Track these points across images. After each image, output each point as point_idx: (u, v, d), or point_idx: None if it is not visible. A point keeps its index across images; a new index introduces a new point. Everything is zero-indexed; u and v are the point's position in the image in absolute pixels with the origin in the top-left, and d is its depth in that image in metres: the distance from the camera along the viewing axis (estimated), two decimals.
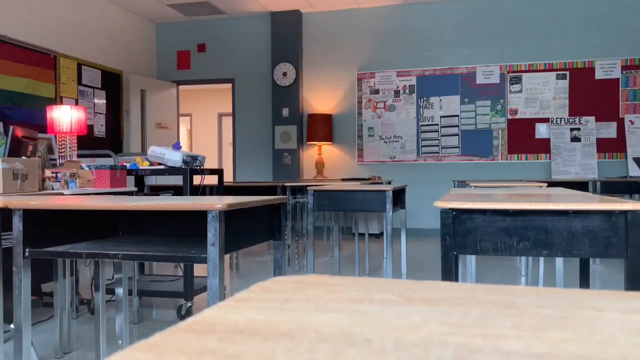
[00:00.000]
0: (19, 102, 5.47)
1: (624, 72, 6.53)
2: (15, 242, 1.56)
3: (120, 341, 2.01)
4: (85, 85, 6.48)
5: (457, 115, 6.98)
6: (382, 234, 6.64)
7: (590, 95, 6.62)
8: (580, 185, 4.70)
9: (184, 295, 3.10)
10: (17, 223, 1.56)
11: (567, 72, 6.67)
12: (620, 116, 6.52)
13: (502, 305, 0.38)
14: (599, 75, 6.59)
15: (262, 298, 0.41)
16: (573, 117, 6.64)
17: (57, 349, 2.45)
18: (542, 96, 6.75)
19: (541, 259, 3.18)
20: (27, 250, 1.57)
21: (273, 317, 0.36)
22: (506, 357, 0.28)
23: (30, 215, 1.59)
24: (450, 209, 1.34)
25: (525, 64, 6.78)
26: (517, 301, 0.39)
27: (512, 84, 6.82)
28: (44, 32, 5.85)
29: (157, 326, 2.95)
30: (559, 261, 2.78)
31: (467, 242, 1.34)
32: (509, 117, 6.82)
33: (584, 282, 2.15)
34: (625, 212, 1.26)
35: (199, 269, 4.12)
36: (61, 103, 5.90)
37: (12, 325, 1.57)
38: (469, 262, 3.00)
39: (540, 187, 2.85)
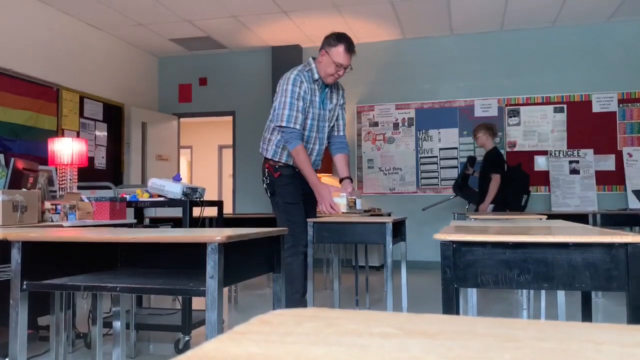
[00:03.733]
0: (20, 135, 5.51)
1: (621, 105, 6.61)
2: (13, 275, 1.55)
3: None
4: (87, 118, 6.54)
5: (456, 148, 7.02)
6: (382, 266, 6.59)
7: (588, 128, 6.68)
8: (580, 218, 4.70)
9: (181, 329, 3.06)
10: (16, 255, 1.56)
11: (565, 105, 6.74)
12: (619, 149, 6.56)
13: (502, 338, 0.38)
14: (596, 108, 6.66)
15: (262, 331, 0.41)
16: (571, 150, 6.68)
17: None
18: (541, 129, 6.80)
19: (543, 291, 3.15)
20: (24, 283, 1.56)
21: (272, 351, 0.36)
22: None
23: (28, 247, 1.59)
24: (450, 241, 1.34)
25: (523, 97, 6.86)
26: (516, 334, 0.39)
27: (510, 116, 6.89)
28: (47, 65, 5.93)
29: None
30: (561, 294, 2.75)
31: (468, 274, 1.33)
32: (508, 149, 6.86)
33: (586, 315, 2.13)
34: (626, 244, 1.26)
35: (197, 302, 4.07)
36: (62, 135, 5.94)
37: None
38: (470, 295, 2.97)
39: (540, 219, 2.85)
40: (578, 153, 6.64)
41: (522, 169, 5.86)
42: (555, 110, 6.77)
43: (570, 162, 6.65)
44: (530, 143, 6.82)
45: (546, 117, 6.79)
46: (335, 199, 3.10)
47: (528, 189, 5.73)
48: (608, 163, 6.57)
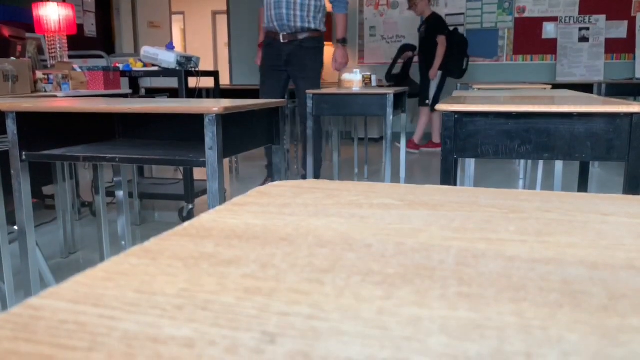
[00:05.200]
0: None
1: None
2: (11, 146, 1.55)
3: (123, 242, 2.06)
4: None
5: (463, 14, 6.70)
6: (381, 138, 6.63)
7: None
8: (586, 88, 4.62)
9: (184, 198, 3.15)
10: (11, 126, 1.54)
11: None
12: (632, 14, 6.26)
13: (506, 209, 0.37)
14: None
15: (260, 203, 0.40)
16: (582, 16, 6.38)
17: (63, 249, 2.52)
18: None
19: (540, 162, 3.19)
20: (23, 153, 1.56)
21: (271, 222, 0.35)
22: (510, 262, 0.27)
23: (24, 118, 1.56)
24: (452, 112, 1.31)
25: None
26: (521, 205, 0.38)
27: None
28: None
29: (160, 227, 3.03)
30: (558, 164, 2.79)
31: (468, 145, 1.32)
32: (516, 15, 6.55)
33: (583, 185, 2.17)
34: (631, 114, 1.23)
35: (199, 173, 4.16)
36: (47, 0, 5.63)
37: (15, 227, 1.60)
38: (468, 166, 3.01)
39: (545, 89, 2.80)
40: (589, 19, 6.35)
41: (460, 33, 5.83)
42: None
43: (580, 29, 6.38)
44: (540, 9, 6.49)
45: None
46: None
47: (467, 53, 5.72)
48: (620, 30, 6.32)
